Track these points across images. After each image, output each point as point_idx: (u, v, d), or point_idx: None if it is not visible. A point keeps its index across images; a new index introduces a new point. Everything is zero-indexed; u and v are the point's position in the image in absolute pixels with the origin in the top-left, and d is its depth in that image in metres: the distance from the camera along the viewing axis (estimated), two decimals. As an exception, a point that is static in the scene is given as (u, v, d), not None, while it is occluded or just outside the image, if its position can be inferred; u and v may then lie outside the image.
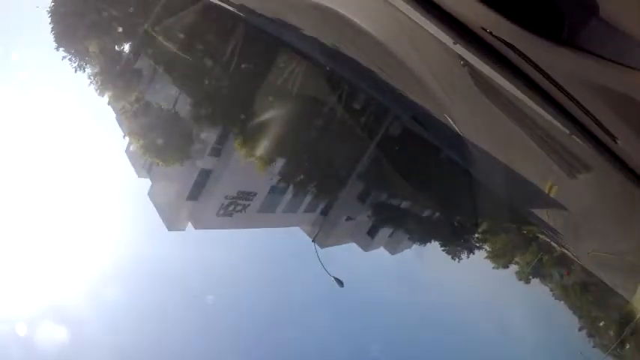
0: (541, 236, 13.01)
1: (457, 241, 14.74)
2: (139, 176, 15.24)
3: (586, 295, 13.09)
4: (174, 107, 12.61)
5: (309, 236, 15.05)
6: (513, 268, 15.16)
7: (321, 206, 16.02)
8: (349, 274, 12.30)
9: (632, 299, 9.56)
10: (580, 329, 13.72)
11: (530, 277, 14.81)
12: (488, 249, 15.31)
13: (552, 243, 12.78)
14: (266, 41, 9.67)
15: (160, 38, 11.42)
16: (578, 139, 3.00)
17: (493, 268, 15.10)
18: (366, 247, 17.22)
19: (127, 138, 13.57)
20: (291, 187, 14.65)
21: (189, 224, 15.43)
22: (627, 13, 2.16)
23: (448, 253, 14.90)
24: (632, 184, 2.93)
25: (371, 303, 14.46)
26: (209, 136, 13.48)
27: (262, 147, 12.00)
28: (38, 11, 12.40)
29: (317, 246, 11.81)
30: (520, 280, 14.86)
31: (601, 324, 12.78)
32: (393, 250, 17.71)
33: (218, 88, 11.80)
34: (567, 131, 2.96)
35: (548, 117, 2.95)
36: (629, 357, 11.58)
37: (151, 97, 12.78)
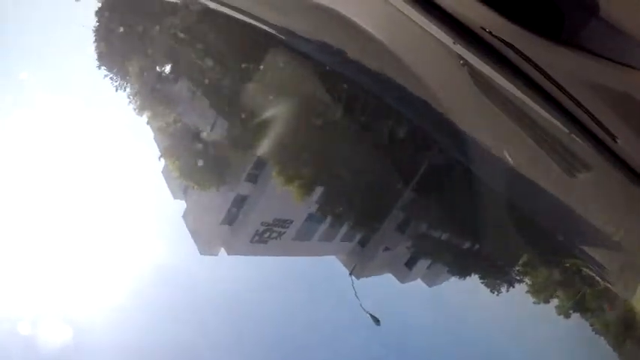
0: (584, 270, 12.62)
1: (497, 274, 14.35)
2: (174, 198, 15.05)
3: (629, 331, 12.73)
4: (212, 130, 12.44)
5: (345, 265, 14.70)
6: (553, 301, 14.68)
7: (359, 236, 15.61)
8: (385, 305, 12.06)
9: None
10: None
11: (571, 311, 14.38)
12: (528, 282, 14.86)
13: (596, 277, 12.42)
14: (308, 66, 9.32)
15: (200, 61, 11.34)
16: (577, 139, 3.00)
17: (534, 302, 14.63)
18: (403, 279, 16.59)
19: (163, 159, 13.53)
20: (329, 217, 14.29)
21: (222, 249, 15.12)
22: (627, 12, 2.16)
23: (487, 285, 14.51)
24: (632, 184, 2.93)
25: (406, 335, 14.14)
26: (246, 161, 13.25)
27: (300, 176, 11.75)
28: (84, 30, 12.57)
29: (353, 277, 11.52)
30: (560, 314, 14.39)
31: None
32: (430, 282, 17.04)
33: (258, 112, 11.42)
34: (567, 130, 2.97)
35: (548, 116, 2.96)
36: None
37: (189, 119, 12.65)
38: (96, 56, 12.57)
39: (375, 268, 15.88)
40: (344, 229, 15.27)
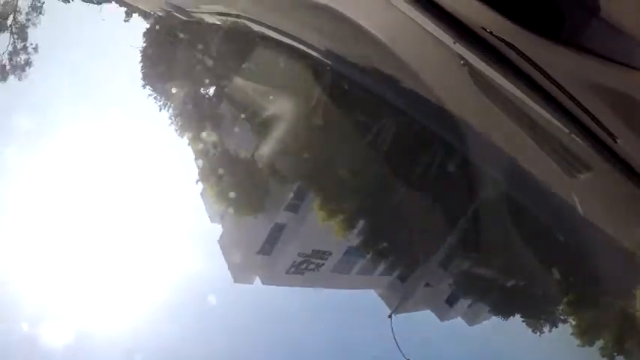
0: (631, 310, 12.22)
1: (541, 313, 13.98)
2: (211, 221, 14.83)
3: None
4: (253, 157, 12.24)
5: (383, 298, 14.24)
6: (597, 342, 14.26)
7: (399, 271, 15.13)
8: (423, 345, 11.82)
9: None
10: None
11: (615, 353, 13.97)
12: (573, 322, 14.34)
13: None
14: (354, 92, 8.91)
15: (243, 85, 11.23)
16: (577, 139, 3.00)
17: (578, 345, 14.15)
18: (442, 316, 16.03)
19: (201, 183, 13.45)
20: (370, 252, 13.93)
21: (257, 278, 14.82)
22: (628, 12, 2.16)
23: (529, 325, 14.14)
24: (633, 184, 2.93)
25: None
26: (286, 190, 13.04)
27: (343, 211, 11.30)
28: (132, 50, 12.84)
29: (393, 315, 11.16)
30: (604, 356, 14.00)
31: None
32: (471, 321, 16.40)
33: (300, 142, 11.01)
34: (567, 130, 2.97)
35: (548, 116, 2.96)
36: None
37: (230, 144, 12.50)
38: (141, 75, 12.84)
39: (415, 303, 15.28)
40: (384, 263, 14.88)
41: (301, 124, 10.80)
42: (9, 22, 11.02)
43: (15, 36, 10.97)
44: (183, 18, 11.97)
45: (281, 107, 10.87)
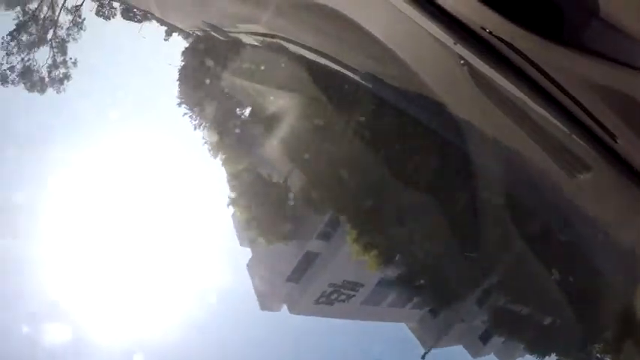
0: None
1: (577, 352, 13.65)
2: (240, 244, 14.61)
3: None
4: (286, 182, 11.92)
5: (414, 332, 13.93)
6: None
7: (432, 305, 14.66)
8: None
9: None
10: None
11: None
12: None
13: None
14: (394, 116, 8.60)
15: (276, 108, 11.04)
16: (578, 139, 3.00)
17: None
18: (475, 353, 15.78)
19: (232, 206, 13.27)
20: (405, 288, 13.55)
21: (285, 307, 14.52)
22: (628, 12, 2.16)
23: None
24: (633, 184, 2.93)
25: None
26: (319, 218, 12.78)
27: (377, 245, 11.01)
28: (170, 68, 13.10)
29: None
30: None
31: None
32: (505, 359, 16.34)
33: (335, 169, 10.52)
34: (567, 131, 2.97)
35: (548, 116, 2.96)
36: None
37: (263, 168, 12.28)
38: (177, 94, 12.97)
39: (447, 339, 15.03)
40: (418, 297, 14.43)
41: (336, 153, 10.63)
42: (49, 36, 11.37)
43: (55, 50, 11.33)
44: (221, 37, 12.09)
45: (318, 129, 10.75)
